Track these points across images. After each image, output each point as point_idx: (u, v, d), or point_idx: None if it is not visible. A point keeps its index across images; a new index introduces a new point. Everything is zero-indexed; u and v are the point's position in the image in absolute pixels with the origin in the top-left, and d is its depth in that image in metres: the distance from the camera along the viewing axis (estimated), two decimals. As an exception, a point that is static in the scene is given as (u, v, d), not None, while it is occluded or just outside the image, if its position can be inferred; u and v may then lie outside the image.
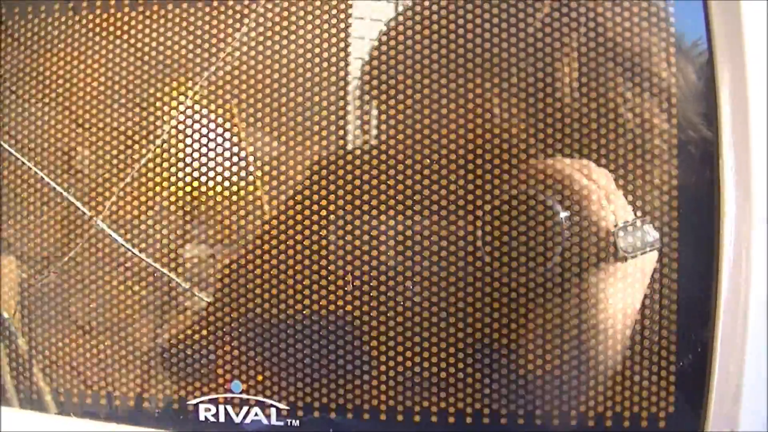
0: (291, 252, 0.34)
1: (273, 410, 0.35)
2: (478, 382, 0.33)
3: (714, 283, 0.32)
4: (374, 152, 0.33)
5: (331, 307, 0.33)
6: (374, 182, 0.33)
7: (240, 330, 0.35)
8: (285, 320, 0.34)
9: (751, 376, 0.32)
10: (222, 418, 0.35)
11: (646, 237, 0.33)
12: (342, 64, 0.34)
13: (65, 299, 0.36)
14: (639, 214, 0.33)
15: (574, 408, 0.33)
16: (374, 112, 0.34)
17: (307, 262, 0.33)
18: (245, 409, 0.35)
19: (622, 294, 0.33)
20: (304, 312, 0.34)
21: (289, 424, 0.35)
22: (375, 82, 0.33)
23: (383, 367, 0.34)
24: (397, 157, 0.33)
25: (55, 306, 0.36)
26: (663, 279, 0.32)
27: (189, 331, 0.35)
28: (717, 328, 0.32)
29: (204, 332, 0.35)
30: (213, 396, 0.35)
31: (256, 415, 0.35)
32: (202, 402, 0.35)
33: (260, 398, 0.35)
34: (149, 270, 0.35)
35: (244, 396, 0.35)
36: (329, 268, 0.33)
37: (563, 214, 0.33)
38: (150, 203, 0.35)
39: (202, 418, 0.35)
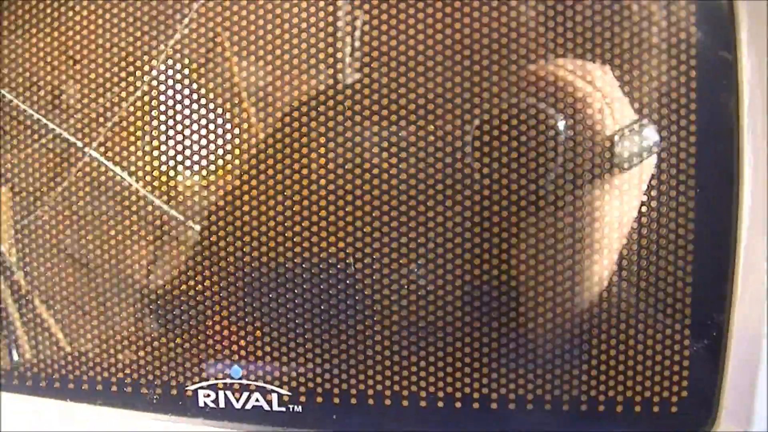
0: (285, 179, 0.32)
1: (275, 396, 0.34)
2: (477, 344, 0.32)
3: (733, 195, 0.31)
4: (361, 55, 0.32)
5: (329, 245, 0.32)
6: (361, 87, 0.31)
7: (239, 313, 0.33)
8: (284, 300, 0.33)
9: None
10: (222, 404, 0.34)
11: (646, 141, 0.31)
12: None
13: (59, 231, 0.35)
14: (642, 117, 0.30)
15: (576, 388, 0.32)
16: (363, 17, 0.32)
17: (301, 185, 0.32)
18: (246, 394, 0.34)
19: (624, 207, 0.31)
20: (299, 258, 0.32)
21: (291, 410, 0.34)
22: None
23: (389, 346, 0.32)
24: (383, 59, 0.31)
25: (50, 239, 0.35)
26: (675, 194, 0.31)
27: (186, 315, 0.34)
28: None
29: (201, 316, 0.34)
30: (212, 382, 0.34)
31: (257, 401, 0.34)
32: (201, 388, 0.34)
33: (261, 384, 0.34)
34: (143, 198, 0.34)
35: (244, 382, 0.34)
36: (322, 189, 0.32)
37: (561, 123, 0.31)
38: (143, 133, 0.34)
39: (201, 404, 0.34)
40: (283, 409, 0.34)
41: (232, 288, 0.33)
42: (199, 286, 0.34)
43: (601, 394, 0.32)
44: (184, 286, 0.34)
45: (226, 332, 0.34)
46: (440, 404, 0.33)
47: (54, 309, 0.35)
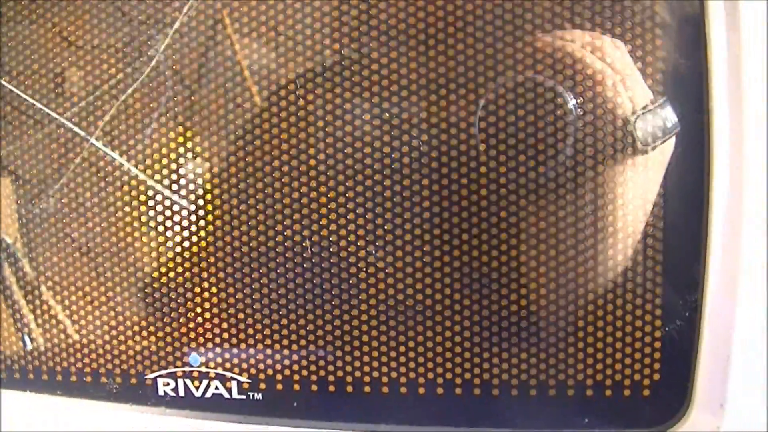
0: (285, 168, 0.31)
1: (234, 383, 0.33)
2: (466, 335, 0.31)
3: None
4: (365, 38, 0.30)
5: (317, 237, 0.31)
6: (364, 70, 0.30)
7: (197, 298, 0.33)
8: (242, 284, 0.32)
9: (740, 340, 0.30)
10: (182, 393, 0.33)
11: (666, 123, 0.29)
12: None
13: (65, 222, 0.34)
14: (658, 97, 0.29)
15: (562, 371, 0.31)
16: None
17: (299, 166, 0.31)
18: (205, 382, 0.33)
19: (642, 191, 0.29)
20: (272, 251, 0.31)
21: (251, 397, 0.33)
22: None
23: (350, 332, 0.32)
24: (386, 39, 0.30)
25: (55, 229, 0.35)
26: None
27: (145, 301, 0.33)
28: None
29: (158, 303, 0.33)
30: (171, 370, 0.33)
31: (216, 388, 0.33)
32: (160, 376, 0.33)
33: (220, 371, 0.33)
34: (146, 185, 0.33)
35: (203, 369, 0.33)
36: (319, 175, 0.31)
37: (573, 102, 0.29)
38: (146, 121, 0.33)
39: (161, 392, 0.33)
40: (243, 396, 0.33)
41: (191, 274, 0.33)
42: (157, 272, 0.33)
43: (570, 378, 0.31)
44: (148, 275, 0.33)
45: (184, 319, 0.33)
46: (403, 390, 0.32)
47: (61, 296, 0.35)
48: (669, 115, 0.29)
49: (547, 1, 0.29)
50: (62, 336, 0.35)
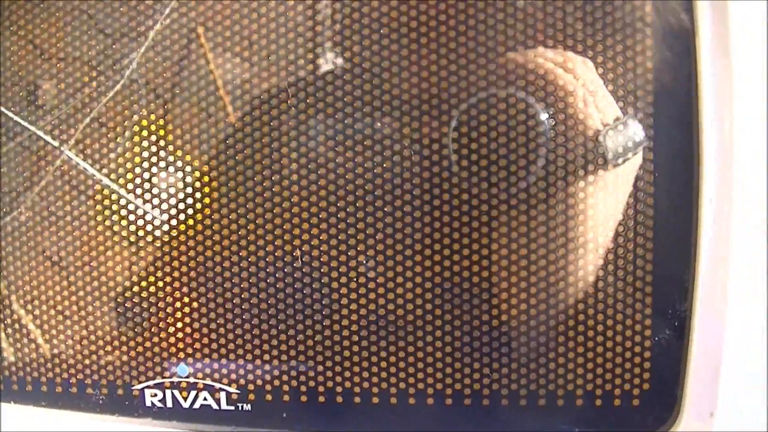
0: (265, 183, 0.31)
1: (223, 394, 0.33)
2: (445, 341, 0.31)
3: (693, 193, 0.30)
4: (338, 49, 0.31)
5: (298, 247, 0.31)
6: (338, 86, 0.30)
7: (185, 308, 0.32)
8: (231, 295, 0.32)
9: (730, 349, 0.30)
10: (169, 404, 0.33)
11: (635, 137, 0.29)
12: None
13: (37, 233, 0.34)
14: (624, 109, 0.29)
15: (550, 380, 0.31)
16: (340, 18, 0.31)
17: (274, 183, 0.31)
18: (193, 393, 0.33)
19: (611, 205, 0.30)
20: (255, 265, 0.31)
21: (240, 408, 0.33)
22: None
23: (340, 343, 0.31)
24: (356, 57, 0.30)
25: (27, 241, 0.34)
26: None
27: (132, 312, 0.33)
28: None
29: (147, 313, 0.33)
30: (159, 381, 0.33)
31: (205, 399, 0.33)
32: (147, 387, 0.33)
33: (208, 382, 0.32)
34: (119, 198, 0.33)
35: (191, 380, 0.33)
36: (293, 184, 0.31)
37: (544, 116, 0.29)
38: (119, 131, 0.33)
39: (148, 403, 0.33)
40: (232, 407, 0.33)
41: (178, 286, 0.32)
42: (146, 282, 0.33)
43: (560, 388, 0.31)
44: (134, 285, 0.33)
45: (172, 329, 0.33)
46: (393, 400, 0.32)
47: (32, 310, 0.35)
48: (637, 129, 0.29)
49: (520, 19, 0.29)
50: (48, 346, 0.34)
